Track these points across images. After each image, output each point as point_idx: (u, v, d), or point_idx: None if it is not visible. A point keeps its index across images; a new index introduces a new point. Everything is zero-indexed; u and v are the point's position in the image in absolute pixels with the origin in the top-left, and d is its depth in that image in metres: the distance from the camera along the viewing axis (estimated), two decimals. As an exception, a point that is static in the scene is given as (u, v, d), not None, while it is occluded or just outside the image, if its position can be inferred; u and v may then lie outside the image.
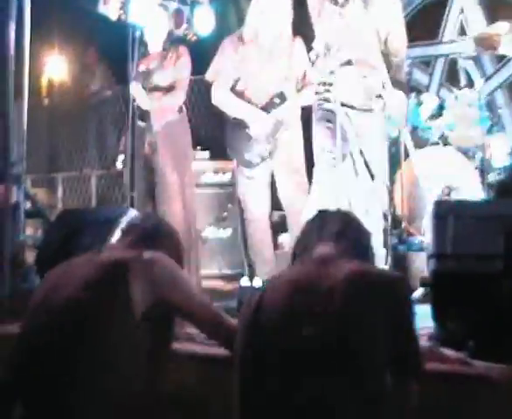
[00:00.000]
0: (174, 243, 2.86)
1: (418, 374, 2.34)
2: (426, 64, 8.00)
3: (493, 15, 7.52)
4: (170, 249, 2.76)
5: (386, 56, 4.72)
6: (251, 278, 5.27)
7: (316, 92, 4.77)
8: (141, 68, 5.91)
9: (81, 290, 2.50)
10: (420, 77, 7.90)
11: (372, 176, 4.57)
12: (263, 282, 4.86)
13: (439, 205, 3.60)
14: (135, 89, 5.75)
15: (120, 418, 2.43)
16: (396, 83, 4.65)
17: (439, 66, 7.97)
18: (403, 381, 2.30)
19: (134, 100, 5.76)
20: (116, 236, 3.14)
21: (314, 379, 2.21)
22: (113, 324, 2.46)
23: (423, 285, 3.90)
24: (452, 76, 7.54)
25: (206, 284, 5.88)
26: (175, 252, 2.77)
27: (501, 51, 6.22)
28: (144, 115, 5.81)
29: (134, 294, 2.47)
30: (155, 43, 6.04)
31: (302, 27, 5.16)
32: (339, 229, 2.56)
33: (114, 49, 6.60)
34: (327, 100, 4.60)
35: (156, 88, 5.85)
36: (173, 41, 6.15)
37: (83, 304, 2.48)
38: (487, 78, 7.51)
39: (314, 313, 2.25)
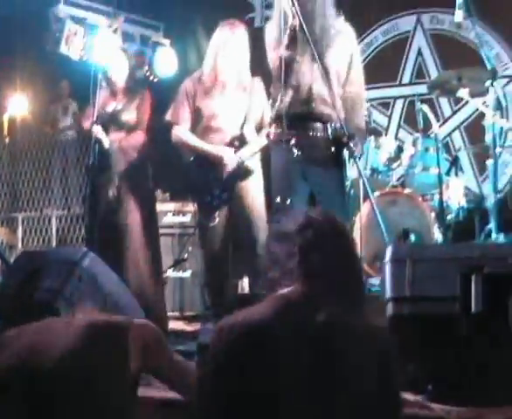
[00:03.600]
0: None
1: None
2: (385, 106, 8.08)
3: (449, 59, 7.65)
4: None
5: (345, 100, 4.75)
6: (211, 320, 5.26)
7: (275, 135, 4.78)
8: (105, 108, 5.92)
9: (69, 359, 2.38)
10: (379, 119, 7.97)
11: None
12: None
13: (396, 248, 3.63)
14: (97, 129, 5.75)
15: None
16: (354, 126, 4.67)
17: (398, 108, 8.05)
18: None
19: (95, 141, 5.77)
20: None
21: None
22: (100, 391, 2.39)
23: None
24: (410, 118, 7.63)
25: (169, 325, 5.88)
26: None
27: (457, 95, 6.32)
28: (106, 155, 5.82)
29: (127, 361, 2.42)
30: (117, 84, 6.05)
31: (261, 67, 5.21)
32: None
33: (81, 87, 6.61)
34: (284, 143, 4.60)
35: (119, 129, 5.86)
36: (135, 82, 6.17)
37: (72, 374, 2.37)
38: (445, 121, 7.63)
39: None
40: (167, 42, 8.42)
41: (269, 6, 8.46)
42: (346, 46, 4.76)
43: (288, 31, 4.46)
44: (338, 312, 2.21)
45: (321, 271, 2.27)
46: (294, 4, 4.37)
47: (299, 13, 4.36)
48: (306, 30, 4.36)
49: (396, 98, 8.05)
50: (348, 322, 2.21)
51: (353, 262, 2.40)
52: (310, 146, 4.58)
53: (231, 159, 5.21)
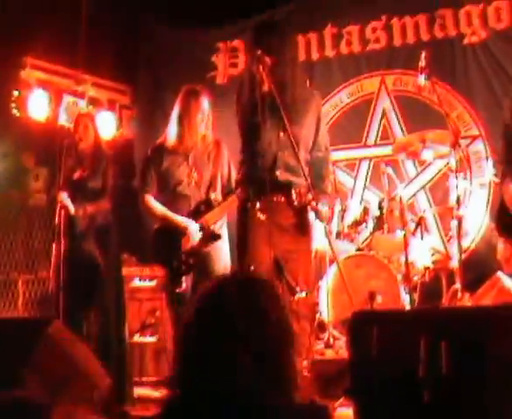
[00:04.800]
0: None
1: None
2: (351, 167, 8.14)
3: (413, 120, 7.75)
4: None
5: (311, 164, 4.76)
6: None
7: (242, 197, 4.77)
8: (71, 175, 5.94)
9: None
10: (345, 180, 8.02)
11: (297, 283, 4.55)
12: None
13: (360, 314, 3.65)
14: (63, 196, 5.76)
15: None
16: (322, 191, 4.68)
17: (364, 170, 8.09)
18: None
19: (61, 207, 5.77)
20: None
21: None
22: None
23: (346, 393, 3.92)
24: (376, 179, 7.67)
25: (134, 391, 5.82)
26: None
27: (421, 156, 6.41)
28: (72, 222, 5.82)
29: None
30: (84, 149, 6.08)
31: (225, 131, 5.25)
32: None
33: (49, 152, 6.62)
34: (252, 205, 4.58)
35: (85, 196, 5.88)
36: (102, 149, 6.19)
37: None
38: (410, 182, 7.69)
39: None
40: (133, 105, 8.47)
41: (233, 65, 8.56)
42: (314, 113, 4.77)
43: (258, 98, 4.48)
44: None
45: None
46: (265, 71, 4.40)
47: (270, 80, 4.40)
48: (277, 97, 4.40)
49: (361, 159, 8.10)
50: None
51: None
52: (275, 211, 4.58)
53: (194, 231, 5.23)
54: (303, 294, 4.56)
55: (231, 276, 2.28)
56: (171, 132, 5.45)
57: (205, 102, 5.42)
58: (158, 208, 5.37)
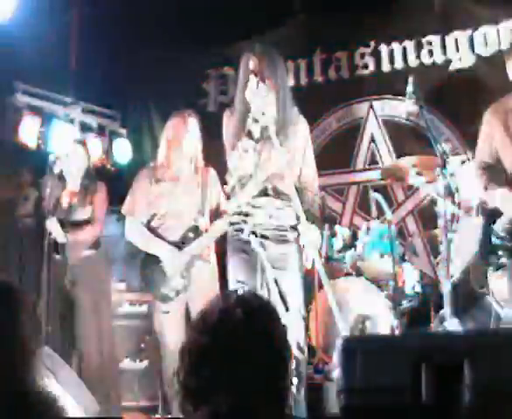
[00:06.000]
0: None
1: None
2: (340, 192, 8.17)
3: (401, 145, 7.80)
4: None
5: (300, 189, 4.78)
6: (166, 411, 5.23)
7: (231, 223, 4.81)
8: (60, 202, 5.95)
9: None
10: (334, 205, 8.06)
11: (287, 308, 4.59)
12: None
13: (347, 340, 3.66)
14: (52, 223, 5.77)
15: None
16: (310, 215, 4.70)
17: (352, 194, 8.13)
18: None
19: (50, 234, 5.77)
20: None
21: None
22: None
23: (333, 419, 3.94)
24: (365, 203, 7.71)
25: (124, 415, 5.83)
26: None
27: (409, 181, 6.43)
28: (61, 248, 5.83)
29: None
30: (74, 175, 6.09)
31: (215, 158, 5.26)
32: None
33: (39, 177, 6.63)
34: (241, 231, 4.65)
35: (74, 222, 5.89)
36: (91, 177, 6.20)
37: None
38: (398, 206, 7.73)
39: None
40: (123, 131, 8.50)
41: (224, 92, 8.60)
42: (301, 139, 4.82)
43: (248, 125, 4.52)
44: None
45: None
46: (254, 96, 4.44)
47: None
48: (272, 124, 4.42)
49: (350, 184, 8.14)
50: None
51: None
52: (268, 235, 4.64)
53: (168, 259, 5.24)
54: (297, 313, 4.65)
55: (233, 297, 2.31)
56: (159, 156, 5.47)
57: (195, 126, 5.43)
58: (144, 235, 5.36)
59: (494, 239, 5.16)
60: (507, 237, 5.05)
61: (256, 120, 4.52)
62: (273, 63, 4.66)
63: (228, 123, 4.79)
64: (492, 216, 5.19)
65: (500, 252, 5.18)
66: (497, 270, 5.42)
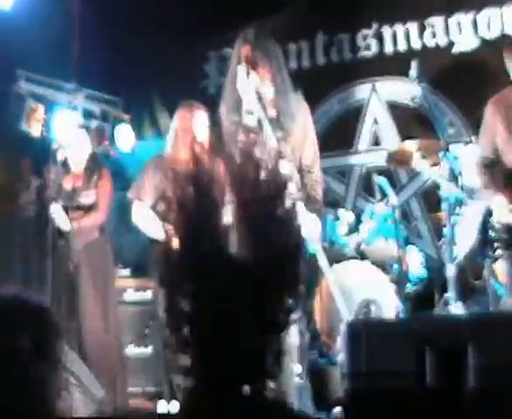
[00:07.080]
0: None
1: None
2: (342, 174, 8.14)
3: (404, 127, 7.78)
4: None
5: (301, 173, 4.73)
6: (171, 396, 5.26)
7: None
8: (64, 187, 5.96)
9: None
10: (337, 187, 8.02)
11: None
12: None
13: (352, 324, 3.68)
14: (55, 209, 5.78)
15: None
16: (312, 200, 4.65)
17: (355, 177, 8.08)
18: None
19: (54, 220, 5.78)
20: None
21: None
22: None
23: (338, 404, 3.95)
24: (368, 186, 7.68)
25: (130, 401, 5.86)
26: None
27: (414, 164, 6.42)
28: (65, 234, 5.84)
29: None
30: (77, 162, 6.09)
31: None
32: None
33: (42, 164, 6.64)
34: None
35: (78, 208, 5.90)
36: (95, 162, 6.21)
37: None
38: (402, 187, 7.70)
39: None
40: (127, 117, 8.48)
41: (224, 74, 8.56)
42: (302, 125, 4.76)
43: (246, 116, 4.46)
44: None
45: None
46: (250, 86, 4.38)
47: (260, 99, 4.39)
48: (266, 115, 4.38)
49: (353, 166, 8.11)
50: None
51: None
52: None
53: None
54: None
55: None
56: (169, 148, 5.49)
57: (202, 118, 5.44)
58: (151, 220, 5.38)
59: (490, 231, 5.18)
60: (502, 229, 5.05)
61: (250, 113, 4.46)
62: (266, 49, 4.48)
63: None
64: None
65: (495, 244, 5.19)
66: (494, 262, 5.43)
